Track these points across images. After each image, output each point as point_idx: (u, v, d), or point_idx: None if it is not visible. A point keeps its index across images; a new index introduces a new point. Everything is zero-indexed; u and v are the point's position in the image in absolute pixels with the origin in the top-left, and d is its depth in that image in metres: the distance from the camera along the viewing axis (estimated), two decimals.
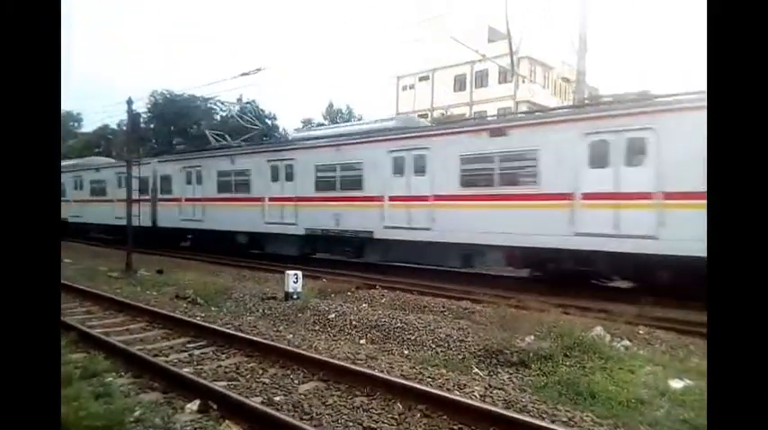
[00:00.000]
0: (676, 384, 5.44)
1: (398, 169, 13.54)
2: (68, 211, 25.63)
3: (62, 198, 24.42)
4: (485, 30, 37.08)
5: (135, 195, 18.71)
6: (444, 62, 41.72)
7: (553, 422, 4.46)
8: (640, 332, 7.60)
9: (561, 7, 15.55)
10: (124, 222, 20.31)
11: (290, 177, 16.15)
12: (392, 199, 13.62)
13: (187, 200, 19.60)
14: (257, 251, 18.11)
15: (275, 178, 16.59)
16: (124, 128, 22.63)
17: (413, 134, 13.87)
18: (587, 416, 4.70)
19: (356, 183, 14.50)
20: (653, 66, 62.76)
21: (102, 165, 25.84)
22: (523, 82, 28.62)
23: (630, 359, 6.28)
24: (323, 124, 37.94)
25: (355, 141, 14.83)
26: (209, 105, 39.33)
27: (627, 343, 7.08)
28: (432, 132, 13.73)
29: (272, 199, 16.61)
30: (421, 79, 47.26)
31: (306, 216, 15.67)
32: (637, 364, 6.07)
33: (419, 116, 41.45)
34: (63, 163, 25.96)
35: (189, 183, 19.65)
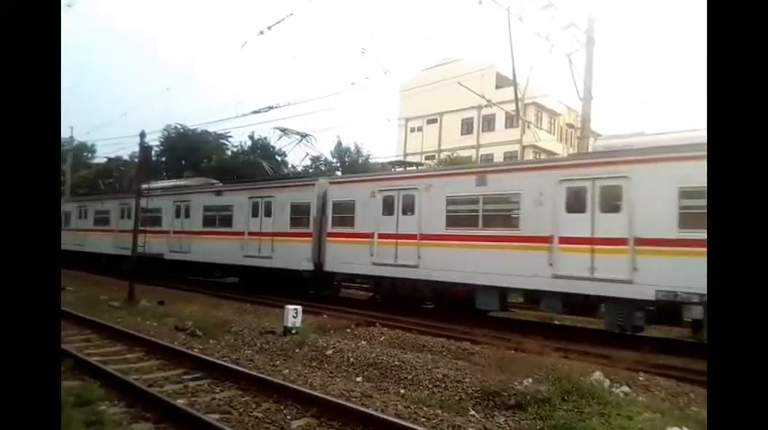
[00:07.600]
0: None
1: None
2: (168, 245, 20.65)
3: (158, 227, 20.94)
4: (493, 76, 37.95)
5: (280, 227, 16.76)
6: (452, 106, 42.56)
7: None
8: (640, 378, 7.50)
9: (567, 55, 16.07)
10: (255, 263, 17.24)
11: (580, 207, 10.93)
12: None
13: (381, 236, 14.47)
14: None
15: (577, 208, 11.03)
16: (136, 160, 22.90)
17: None
18: None
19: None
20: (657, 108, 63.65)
21: (225, 188, 20.13)
22: (529, 127, 29.02)
23: (629, 405, 6.18)
24: (331, 162, 38.37)
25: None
26: (220, 141, 40.13)
27: (626, 388, 6.96)
28: None
29: (565, 240, 11.05)
30: (429, 122, 48.20)
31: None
32: (635, 411, 5.97)
33: (426, 157, 42.23)
34: (164, 183, 23.60)
35: (389, 212, 14.36)
